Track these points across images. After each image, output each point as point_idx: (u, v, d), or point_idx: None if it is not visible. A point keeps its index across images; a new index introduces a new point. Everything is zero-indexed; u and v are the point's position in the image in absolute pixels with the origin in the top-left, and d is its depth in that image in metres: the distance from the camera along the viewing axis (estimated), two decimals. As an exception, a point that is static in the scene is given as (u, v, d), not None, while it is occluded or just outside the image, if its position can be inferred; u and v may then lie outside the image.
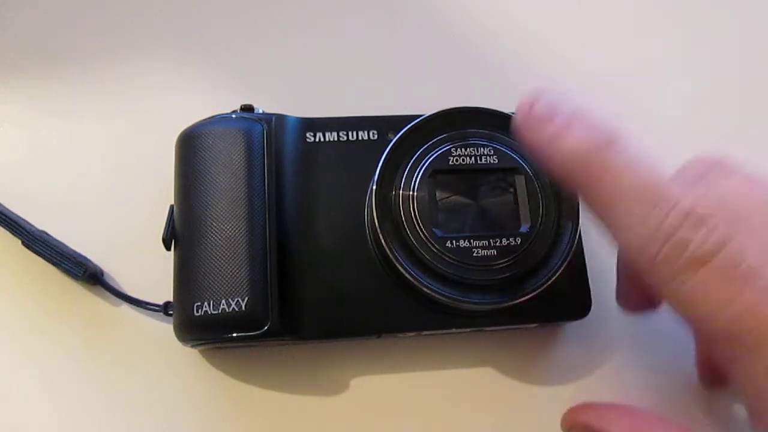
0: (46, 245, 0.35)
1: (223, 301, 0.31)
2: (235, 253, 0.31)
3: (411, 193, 0.32)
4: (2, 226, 0.35)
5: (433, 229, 0.32)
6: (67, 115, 0.39)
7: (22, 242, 0.35)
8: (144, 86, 0.40)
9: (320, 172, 0.34)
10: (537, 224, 0.32)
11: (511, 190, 0.33)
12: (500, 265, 0.31)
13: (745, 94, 0.43)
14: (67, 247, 0.35)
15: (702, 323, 0.23)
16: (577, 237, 0.32)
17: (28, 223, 0.36)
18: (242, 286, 0.31)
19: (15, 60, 0.40)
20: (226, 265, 0.31)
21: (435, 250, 0.31)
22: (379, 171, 0.32)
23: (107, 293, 0.35)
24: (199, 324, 0.31)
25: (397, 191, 0.32)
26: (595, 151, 0.24)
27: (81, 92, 0.40)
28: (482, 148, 0.33)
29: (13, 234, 0.35)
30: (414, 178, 0.32)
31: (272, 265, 0.32)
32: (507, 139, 0.33)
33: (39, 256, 0.35)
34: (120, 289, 0.35)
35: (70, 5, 0.41)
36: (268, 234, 0.32)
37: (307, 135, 0.35)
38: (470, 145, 0.33)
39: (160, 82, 0.40)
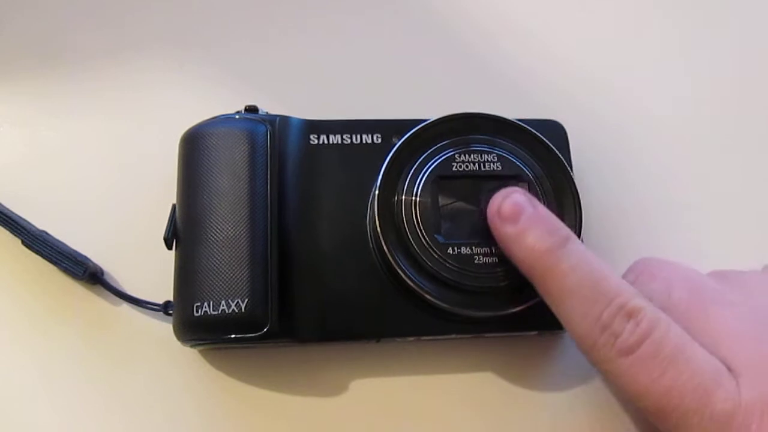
0: (46, 245, 0.35)
1: (223, 302, 0.31)
2: (236, 254, 0.31)
3: (413, 198, 0.32)
4: (2, 226, 0.35)
5: (435, 235, 0.32)
6: (67, 115, 0.39)
7: (22, 242, 0.35)
8: (144, 86, 0.40)
9: (323, 174, 0.34)
10: None
11: None
12: (501, 273, 0.32)
13: (745, 94, 0.43)
14: (67, 246, 0.35)
15: (634, 401, 0.27)
16: None
17: (28, 222, 0.35)
18: (243, 288, 0.31)
19: (15, 60, 0.40)
20: (227, 266, 0.31)
21: (436, 257, 0.31)
22: (382, 176, 0.32)
23: (107, 293, 0.35)
24: (198, 324, 0.31)
25: (400, 196, 0.32)
26: (547, 254, 0.28)
27: (81, 92, 0.40)
28: (486, 155, 0.33)
29: (13, 233, 0.35)
30: (417, 184, 0.32)
31: (273, 267, 0.32)
32: (510, 145, 0.34)
33: (39, 255, 0.35)
34: (120, 289, 0.35)
35: (70, 5, 0.41)
36: (269, 236, 0.32)
37: (311, 137, 0.35)
38: (474, 152, 0.33)
39: (161, 82, 0.40)
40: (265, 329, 0.31)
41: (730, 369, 0.26)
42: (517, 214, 0.29)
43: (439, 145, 0.33)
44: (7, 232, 0.35)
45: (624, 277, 0.32)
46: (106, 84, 0.40)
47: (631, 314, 0.26)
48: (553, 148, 0.34)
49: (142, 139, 0.38)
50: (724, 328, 0.27)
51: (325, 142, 0.35)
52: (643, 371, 0.26)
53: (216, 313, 0.31)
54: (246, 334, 0.31)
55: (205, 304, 0.31)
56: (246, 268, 0.31)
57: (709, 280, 0.30)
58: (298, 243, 0.33)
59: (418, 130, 0.33)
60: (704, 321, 0.28)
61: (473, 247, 0.32)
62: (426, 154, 0.33)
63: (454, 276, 0.31)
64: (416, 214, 0.32)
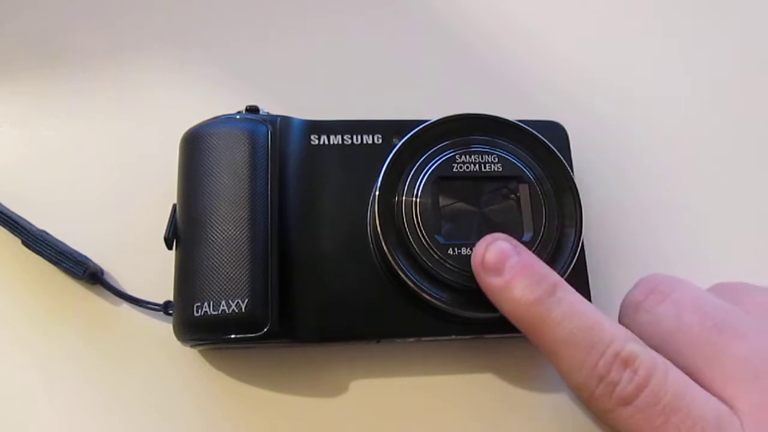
0: (46, 244, 0.35)
1: (223, 302, 0.31)
2: (236, 255, 0.31)
3: (414, 199, 0.32)
4: (2, 226, 0.35)
5: (436, 236, 0.32)
6: (67, 115, 0.39)
7: (22, 242, 0.35)
8: (144, 86, 0.40)
9: (324, 175, 0.34)
10: (540, 233, 0.32)
11: (514, 197, 0.33)
12: None
13: (745, 94, 0.43)
14: (67, 246, 0.35)
15: None
16: (579, 246, 0.32)
17: (28, 222, 0.35)
18: (243, 288, 0.31)
19: (15, 60, 0.40)
20: (227, 266, 0.31)
21: (437, 257, 0.31)
22: (383, 176, 0.32)
23: (107, 293, 0.35)
24: (198, 324, 0.31)
25: (400, 197, 0.32)
26: (536, 304, 0.28)
27: (81, 92, 0.40)
28: (486, 156, 0.33)
29: (13, 233, 0.35)
30: (417, 185, 0.32)
31: (273, 267, 0.32)
32: (511, 146, 0.34)
33: (39, 255, 0.34)
34: (120, 289, 0.35)
35: (70, 5, 0.41)
36: (269, 236, 0.32)
37: (312, 137, 0.35)
38: (474, 152, 0.33)
39: (161, 82, 0.40)
40: (265, 329, 0.31)
41: (733, 408, 0.25)
42: (502, 264, 0.29)
43: (439, 145, 0.33)
44: (7, 232, 0.35)
45: (632, 293, 0.31)
46: (106, 84, 0.40)
47: (627, 362, 0.26)
48: (554, 149, 0.34)
49: (142, 139, 0.38)
50: (731, 361, 0.26)
51: (326, 142, 0.35)
52: (644, 420, 0.25)
53: (216, 313, 0.31)
54: (246, 334, 0.31)
55: (206, 304, 0.31)
56: (246, 268, 0.31)
57: (720, 303, 0.28)
58: (299, 243, 0.33)
59: (418, 130, 0.33)
60: (712, 352, 0.26)
61: (474, 248, 0.31)
62: (426, 154, 0.33)
63: (454, 277, 0.31)
64: (417, 215, 0.32)
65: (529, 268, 0.29)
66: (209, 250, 0.32)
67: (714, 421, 0.24)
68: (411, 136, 0.33)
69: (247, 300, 0.31)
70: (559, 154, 0.34)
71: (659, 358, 0.26)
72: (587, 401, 0.27)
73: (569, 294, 0.28)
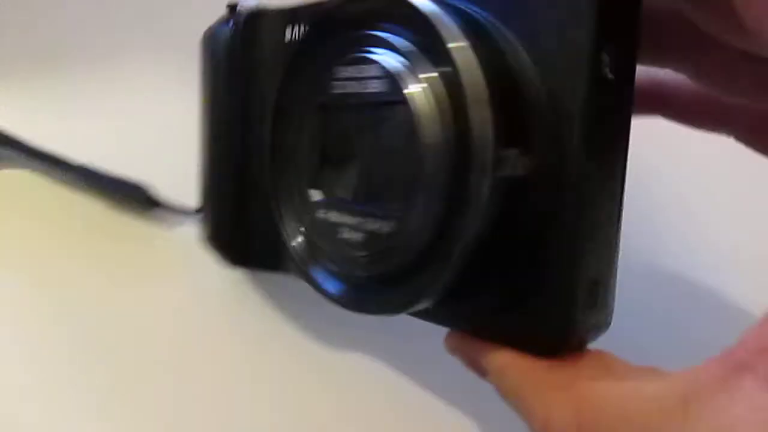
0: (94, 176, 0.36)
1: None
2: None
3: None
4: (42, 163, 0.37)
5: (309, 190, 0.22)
6: (67, 115, 0.39)
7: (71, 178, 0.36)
8: (145, 86, 0.39)
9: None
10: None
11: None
12: (363, 258, 0.21)
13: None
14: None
15: None
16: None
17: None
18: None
19: (15, 60, 0.40)
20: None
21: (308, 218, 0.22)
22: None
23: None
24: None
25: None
26: None
27: (81, 92, 0.39)
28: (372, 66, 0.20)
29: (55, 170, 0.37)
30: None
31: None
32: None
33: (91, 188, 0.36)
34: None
35: (70, 5, 0.41)
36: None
37: (287, 31, 0.27)
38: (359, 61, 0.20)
39: (162, 82, 0.39)
40: None
41: None
42: None
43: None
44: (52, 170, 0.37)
45: None
46: (105, 84, 0.40)
47: None
48: None
49: (141, 140, 0.38)
50: None
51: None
52: None
53: None
54: None
55: None
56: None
57: None
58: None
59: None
60: None
61: (341, 214, 0.21)
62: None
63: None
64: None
65: None
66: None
67: None
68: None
69: None
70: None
71: None
72: None
73: None
